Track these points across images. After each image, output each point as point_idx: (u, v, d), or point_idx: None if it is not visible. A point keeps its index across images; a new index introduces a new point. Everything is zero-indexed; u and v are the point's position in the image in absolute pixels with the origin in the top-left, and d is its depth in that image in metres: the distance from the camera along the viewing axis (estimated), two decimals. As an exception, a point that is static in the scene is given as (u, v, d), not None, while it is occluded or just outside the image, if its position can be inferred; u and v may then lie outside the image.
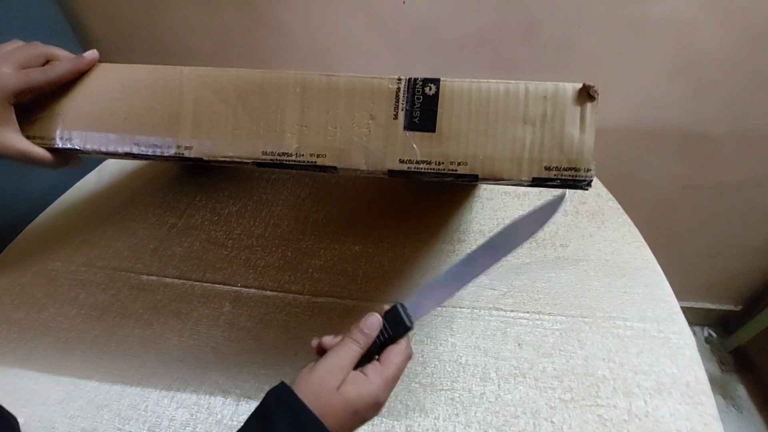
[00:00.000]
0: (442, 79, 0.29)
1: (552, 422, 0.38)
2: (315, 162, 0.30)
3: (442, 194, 0.62)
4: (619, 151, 0.82)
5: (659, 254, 0.52)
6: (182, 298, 0.50)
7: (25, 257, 0.56)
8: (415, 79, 0.29)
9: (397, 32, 0.67)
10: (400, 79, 0.29)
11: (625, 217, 0.57)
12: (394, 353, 0.29)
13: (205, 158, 0.31)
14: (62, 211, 0.65)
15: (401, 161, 0.29)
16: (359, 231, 0.57)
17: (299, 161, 0.30)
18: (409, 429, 0.38)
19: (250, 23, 0.69)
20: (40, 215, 0.63)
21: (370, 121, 0.29)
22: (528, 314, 0.46)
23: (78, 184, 0.69)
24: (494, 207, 0.59)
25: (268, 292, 0.50)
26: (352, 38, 0.69)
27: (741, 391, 1.03)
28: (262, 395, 0.41)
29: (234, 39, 0.71)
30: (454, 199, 0.61)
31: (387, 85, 0.29)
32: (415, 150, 0.29)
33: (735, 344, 1.07)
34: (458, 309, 0.47)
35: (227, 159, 0.31)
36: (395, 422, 0.39)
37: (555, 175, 0.28)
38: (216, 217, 0.60)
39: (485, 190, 0.62)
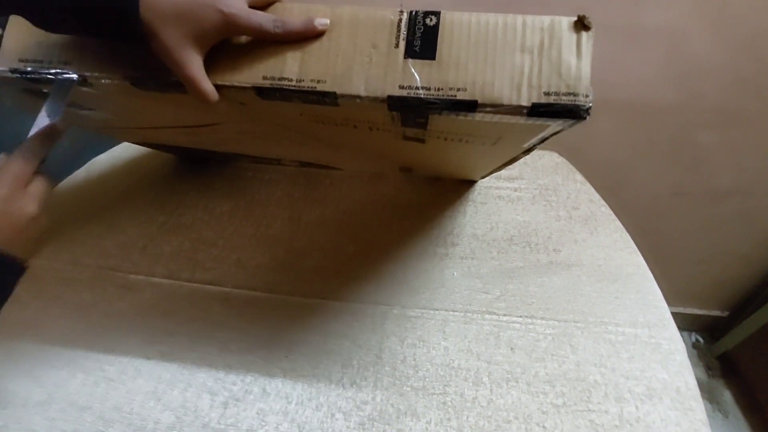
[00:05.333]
0: (442, 11, 0.30)
1: (544, 427, 0.38)
2: (315, 87, 0.30)
3: (436, 197, 0.62)
4: (611, 157, 0.83)
5: (648, 260, 0.53)
6: (170, 298, 0.49)
7: (8, 254, 0.54)
8: (417, 12, 0.30)
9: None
10: (402, 11, 0.30)
11: (618, 223, 0.58)
12: None
13: None
14: (49, 207, 0.63)
15: (401, 87, 0.29)
16: (352, 232, 0.57)
17: (299, 86, 0.30)
18: (400, 433, 0.38)
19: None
20: (25, 211, 0.61)
21: (372, 50, 0.30)
22: (521, 318, 0.46)
23: (66, 180, 0.67)
24: (487, 211, 0.59)
25: (259, 293, 0.49)
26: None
27: (727, 396, 1.04)
28: (251, 398, 0.40)
29: None
30: (447, 202, 0.61)
31: (389, 17, 0.30)
32: (415, 76, 0.29)
33: (722, 350, 1.08)
34: (451, 312, 0.47)
35: (227, 84, 0.31)
36: (386, 426, 0.38)
37: (555, 100, 0.28)
38: (207, 216, 0.59)
39: (479, 194, 0.62)
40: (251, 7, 0.30)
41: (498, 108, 0.28)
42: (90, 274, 0.52)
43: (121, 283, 0.51)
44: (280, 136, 0.45)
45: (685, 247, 0.97)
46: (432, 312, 0.47)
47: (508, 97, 0.28)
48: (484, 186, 0.63)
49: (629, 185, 0.87)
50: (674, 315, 0.46)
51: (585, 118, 0.28)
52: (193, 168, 0.68)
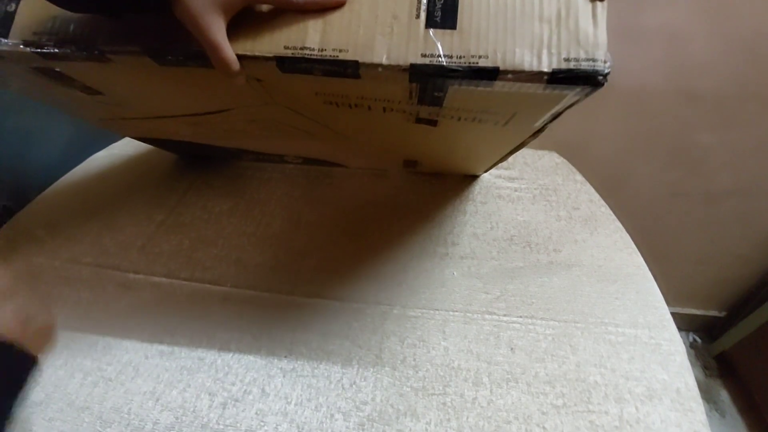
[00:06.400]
0: None
1: (544, 428, 0.38)
2: (337, 57, 0.30)
3: (436, 197, 0.62)
4: (611, 158, 0.83)
5: (646, 260, 0.53)
6: (170, 298, 0.49)
7: (7, 252, 0.54)
8: None
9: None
10: None
11: (617, 223, 0.58)
12: None
13: None
14: (48, 205, 0.63)
15: (423, 55, 0.30)
16: (352, 232, 0.57)
17: (321, 56, 0.30)
18: (400, 434, 0.38)
19: None
20: (25, 208, 0.61)
21: (393, 21, 0.30)
22: (521, 319, 0.46)
23: (64, 177, 0.67)
24: (488, 211, 0.59)
25: (259, 293, 0.49)
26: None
27: (724, 395, 1.05)
28: (250, 398, 0.40)
29: None
30: (447, 201, 0.61)
31: None
32: (437, 45, 0.30)
33: (719, 350, 1.09)
34: (451, 312, 0.47)
35: (248, 54, 0.31)
36: (386, 427, 0.38)
37: (575, 66, 0.28)
38: (207, 215, 0.59)
39: (479, 194, 0.62)
40: None
41: (519, 75, 0.29)
42: (89, 272, 0.51)
43: (120, 282, 0.50)
44: (288, 126, 0.45)
45: (683, 247, 0.98)
46: (432, 312, 0.47)
47: (529, 63, 0.29)
48: (485, 185, 0.63)
49: (629, 185, 0.87)
50: (672, 315, 0.46)
51: (603, 85, 0.28)
52: (192, 166, 0.68)
